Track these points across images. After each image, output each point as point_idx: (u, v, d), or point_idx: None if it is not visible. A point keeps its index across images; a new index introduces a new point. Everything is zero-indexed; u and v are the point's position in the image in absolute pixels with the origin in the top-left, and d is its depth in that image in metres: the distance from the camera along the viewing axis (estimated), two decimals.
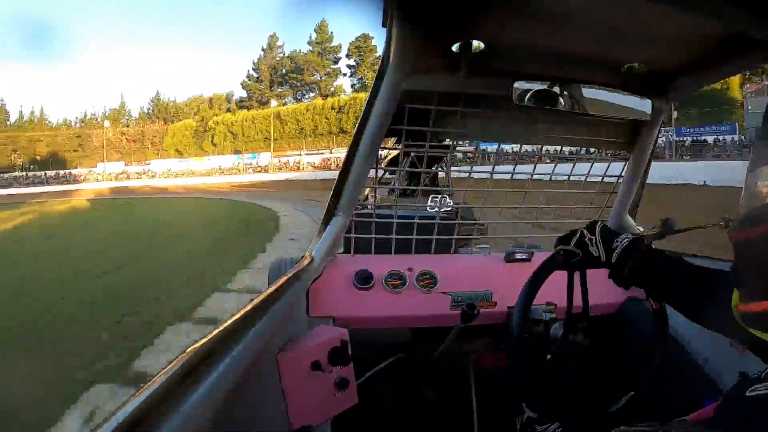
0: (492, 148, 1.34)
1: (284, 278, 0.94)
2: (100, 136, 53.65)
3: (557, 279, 0.90)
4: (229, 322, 0.66)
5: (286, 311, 0.87)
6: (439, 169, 3.14)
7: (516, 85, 0.97)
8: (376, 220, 1.29)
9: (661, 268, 0.78)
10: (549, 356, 0.99)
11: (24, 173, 52.64)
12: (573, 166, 1.37)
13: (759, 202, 0.47)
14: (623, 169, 1.36)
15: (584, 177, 1.39)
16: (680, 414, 0.54)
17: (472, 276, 1.29)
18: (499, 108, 1.11)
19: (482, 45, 0.91)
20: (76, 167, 53.11)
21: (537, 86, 1.01)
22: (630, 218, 1.41)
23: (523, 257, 1.32)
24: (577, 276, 0.95)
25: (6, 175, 52.04)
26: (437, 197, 3.59)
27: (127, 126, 56.61)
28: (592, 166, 1.38)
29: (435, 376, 1.32)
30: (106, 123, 54.43)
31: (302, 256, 1.20)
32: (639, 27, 0.83)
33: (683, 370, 1.12)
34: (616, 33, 0.86)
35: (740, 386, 0.45)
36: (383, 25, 0.83)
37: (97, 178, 49.06)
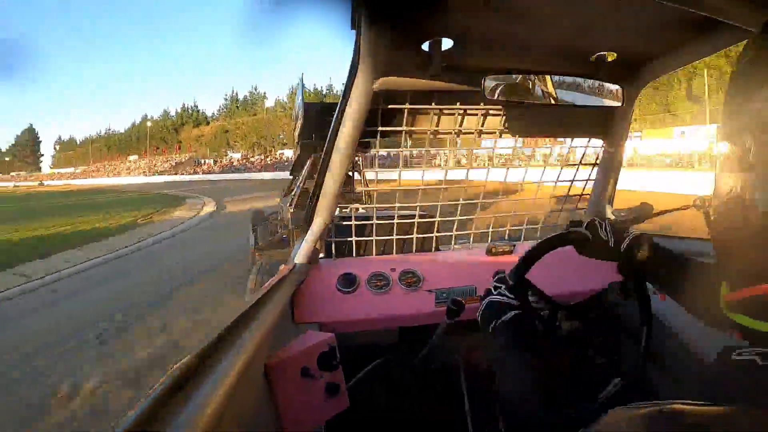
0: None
1: (268, 286, 0.94)
2: None
3: (543, 267, 0.91)
4: (216, 334, 0.66)
5: (271, 320, 0.86)
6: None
7: (487, 80, 0.98)
8: (356, 222, 1.29)
9: (665, 262, 0.81)
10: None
11: None
12: (547, 157, 1.39)
13: (729, 194, 0.48)
14: (598, 156, 1.38)
15: (560, 166, 1.41)
16: (669, 394, 0.55)
17: (455, 272, 1.30)
18: (473, 103, 1.12)
19: (451, 42, 0.91)
20: None
21: (509, 80, 1.02)
22: (607, 204, 1.44)
23: (505, 249, 1.33)
24: (561, 262, 0.96)
25: None
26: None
27: None
28: (568, 153, 1.40)
29: (425, 375, 1.33)
30: None
31: (284, 263, 1.20)
32: (607, 15, 0.84)
33: (669, 351, 1.15)
34: (584, 23, 0.87)
35: (725, 353, 0.46)
36: (352, 28, 0.83)
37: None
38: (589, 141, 1.39)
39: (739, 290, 0.49)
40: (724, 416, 0.38)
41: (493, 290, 0.88)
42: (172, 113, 67.36)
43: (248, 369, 0.67)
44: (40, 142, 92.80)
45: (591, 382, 0.95)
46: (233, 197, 21.01)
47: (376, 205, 1.31)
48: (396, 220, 1.31)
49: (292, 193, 5.18)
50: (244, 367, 0.65)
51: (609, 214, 1.41)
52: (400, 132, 1.14)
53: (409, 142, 1.23)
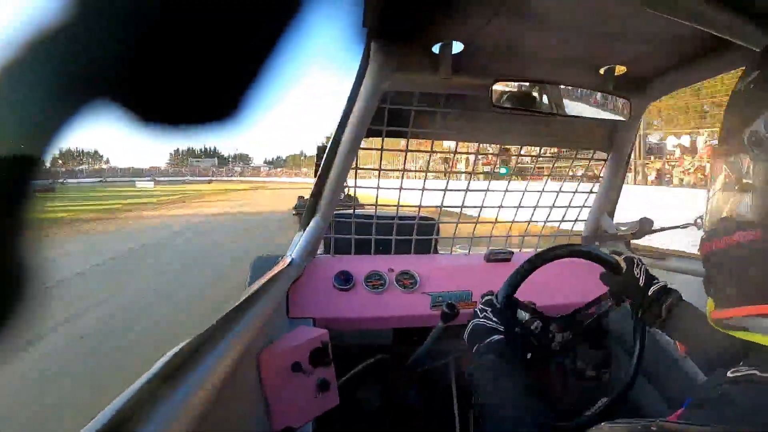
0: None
1: (264, 279, 0.93)
2: None
3: (536, 278, 0.91)
4: (209, 324, 0.65)
5: (266, 313, 0.86)
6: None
7: (495, 86, 0.98)
8: (356, 220, 1.29)
9: (687, 317, 0.80)
10: (529, 355, 1.00)
11: None
12: (553, 165, 1.39)
13: (719, 215, 0.48)
14: (602, 168, 1.38)
15: (563, 179, 1.41)
16: (661, 412, 0.54)
17: (452, 276, 1.29)
18: (479, 108, 1.12)
19: (462, 46, 0.91)
20: None
21: (516, 87, 1.02)
22: (608, 218, 1.43)
23: (503, 257, 1.33)
24: (555, 274, 0.96)
25: None
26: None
27: None
28: (572, 164, 1.40)
29: (416, 377, 1.32)
30: None
31: (281, 256, 1.19)
32: (618, 29, 0.84)
33: (662, 370, 1.14)
34: (595, 35, 0.87)
35: (715, 378, 0.45)
36: (364, 25, 0.83)
37: None
38: (593, 153, 1.39)
39: (728, 309, 0.48)
40: None
41: (479, 313, 0.87)
42: None
43: (240, 360, 0.67)
44: None
45: (580, 395, 0.94)
46: None
47: (378, 205, 1.30)
48: (396, 221, 1.31)
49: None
50: (237, 358, 0.65)
51: (609, 227, 1.41)
52: (405, 132, 1.14)
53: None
